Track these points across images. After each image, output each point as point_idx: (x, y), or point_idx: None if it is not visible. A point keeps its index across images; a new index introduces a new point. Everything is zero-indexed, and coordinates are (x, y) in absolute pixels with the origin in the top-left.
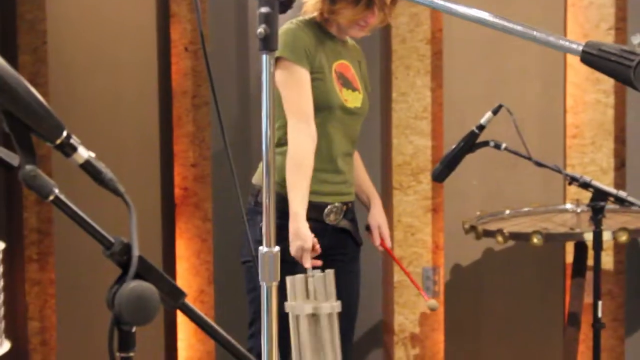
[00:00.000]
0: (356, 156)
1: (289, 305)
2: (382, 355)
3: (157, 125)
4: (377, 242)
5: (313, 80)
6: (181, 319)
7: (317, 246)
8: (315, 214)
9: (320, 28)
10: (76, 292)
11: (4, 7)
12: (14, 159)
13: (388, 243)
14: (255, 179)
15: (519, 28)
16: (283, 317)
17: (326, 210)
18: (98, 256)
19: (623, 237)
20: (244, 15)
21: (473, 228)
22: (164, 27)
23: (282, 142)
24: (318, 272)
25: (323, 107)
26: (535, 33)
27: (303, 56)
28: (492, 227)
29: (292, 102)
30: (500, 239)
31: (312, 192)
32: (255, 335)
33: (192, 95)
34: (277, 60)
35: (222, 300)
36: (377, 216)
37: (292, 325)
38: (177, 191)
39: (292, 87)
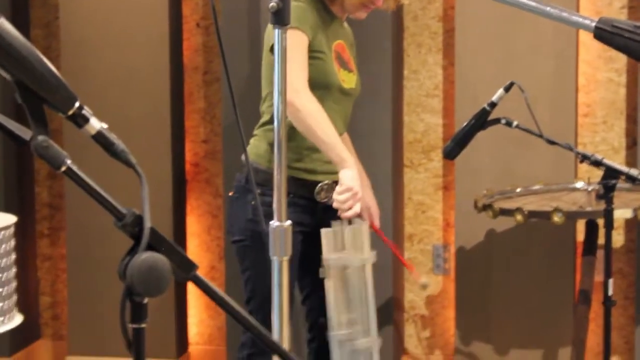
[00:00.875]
0: (345, 135)
1: (323, 258)
2: (393, 333)
3: (168, 101)
4: (368, 223)
5: (313, 58)
6: (191, 295)
7: (360, 194)
8: (306, 191)
9: (324, 8)
10: (87, 267)
11: None
12: (25, 133)
13: (377, 223)
14: (249, 155)
15: (532, 4)
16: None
17: (317, 188)
18: (109, 231)
19: None
20: None
21: (489, 206)
22: (175, 2)
23: (266, 121)
24: (358, 223)
25: (321, 86)
26: (548, 9)
27: (308, 29)
28: (503, 205)
29: (293, 67)
30: (519, 217)
31: (304, 170)
32: (254, 312)
33: (204, 71)
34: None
35: (233, 276)
36: (365, 198)
37: (326, 278)
38: (188, 167)
39: (295, 51)
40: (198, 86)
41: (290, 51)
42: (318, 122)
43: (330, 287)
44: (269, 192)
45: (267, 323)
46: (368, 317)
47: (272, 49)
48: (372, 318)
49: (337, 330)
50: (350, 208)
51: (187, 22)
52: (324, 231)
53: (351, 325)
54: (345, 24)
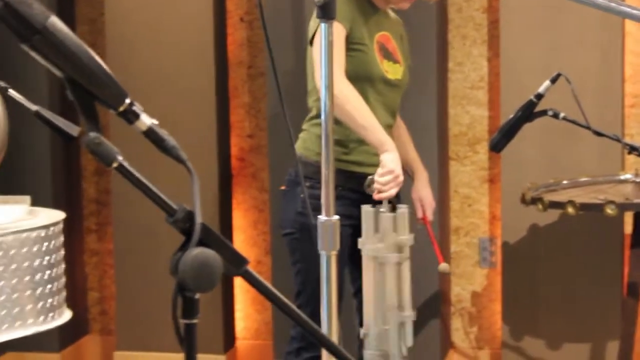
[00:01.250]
0: (403, 129)
1: (360, 242)
2: (439, 326)
3: (213, 96)
4: (419, 214)
5: (353, 50)
6: (238, 290)
7: (401, 177)
8: (355, 184)
9: (366, 0)
10: (134, 262)
11: None
12: (73, 129)
13: (430, 217)
14: (297, 149)
15: None
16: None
17: (367, 181)
18: (155, 226)
19: None
20: None
21: (539, 199)
22: None
23: (314, 115)
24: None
25: (363, 78)
26: (600, 1)
27: (345, 21)
28: (552, 197)
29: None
30: (571, 210)
31: (353, 163)
32: (304, 306)
33: (248, 65)
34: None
35: (280, 270)
36: (419, 189)
37: (366, 268)
38: (234, 162)
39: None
40: (243, 81)
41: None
42: (356, 107)
43: (368, 270)
44: (318, 185)
45: (317, 316)
46: (403, 298)
47: (311, 42)
48: (407, 300)
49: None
50: (390, 190)
51: (231, 17)
52: (365, 209)
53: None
54: (394, 16)
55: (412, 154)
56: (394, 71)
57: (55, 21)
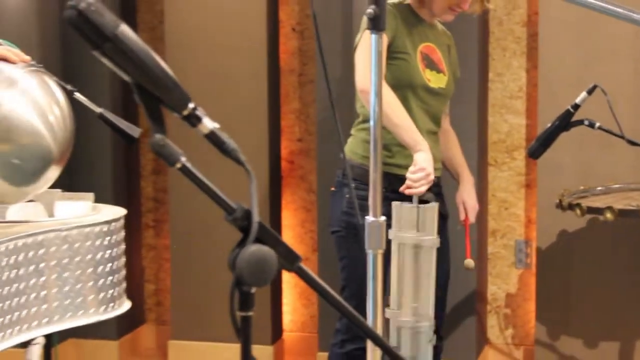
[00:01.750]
0: (452, 134)
1: (393, 233)
2: (476, 324)
3: (265, 102)
4: (462, 217)
5: (395, 58)
6: (286, 284)
7: (432, 176)
8: (398, 186)
9: (410, 11)
10: (189, 257)
11: None
12: (134, 131)
13: (471, 219)
14: (346, 152)
15: (620, 10)
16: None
17: (401, 187)
18: (209, 223)
19: None
20: None
21: (577, 205)
22: (273, 8)
23: (366, 119)
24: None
25: (405, 85)
26: (634, 15)
27: (387, 29)
28: (590, 203)
29: (368, 62)
30: (609, 215)
31: (397, 166)
32: (348, 300)
33: (299, 73)
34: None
35: (326, 267)
36: (462, 193)
37: (394, 253)
38: (284, 164)
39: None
40: (293, 87)
41: (368, 49)
42: (391, 107)
43: (395, 262)
44: (363, 186)
45: (360, 310)
46: (429, 294)
47: (355, 49)
48: (431, 296)
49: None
50: (420, 187)
51: (283, 27)
52: (395, 204)
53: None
54: (441, 28)
55: (458, 159)
56: (437, 80)
57: (125, 29)
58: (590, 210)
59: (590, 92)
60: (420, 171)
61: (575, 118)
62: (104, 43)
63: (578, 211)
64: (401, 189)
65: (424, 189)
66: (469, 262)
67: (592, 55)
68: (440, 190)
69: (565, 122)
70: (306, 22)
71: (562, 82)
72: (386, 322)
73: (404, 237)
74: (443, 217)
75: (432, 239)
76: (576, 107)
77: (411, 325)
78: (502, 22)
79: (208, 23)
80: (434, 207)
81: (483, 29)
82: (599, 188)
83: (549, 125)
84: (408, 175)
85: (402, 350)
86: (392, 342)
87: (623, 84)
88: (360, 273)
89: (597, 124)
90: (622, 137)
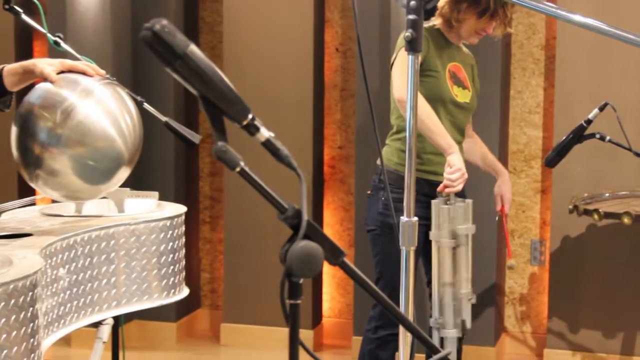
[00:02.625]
0: (477, 137)
1: (434, 232)
2: (494, 313)
3: (310, 114)
4: (498, 207)
5: (427, 76)
6: (326, 275)
7: (466, 175)
8: (428, 190)
9: (440, 34)
10: (240, 249)
11: (188, 12)
12: (195, 137)
13: (507, 209)
14: (379, 160)
15: (629, 36)
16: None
17: (439, 187)
18: (259, 220)
19: None
20: (385, 21)
21: (594, 210)
22: (319, 30)
23: (400, 130)
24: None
25: (436, 99)
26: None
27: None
28: (606, 209)
29: (405, 76)
30: (627, 220)
31: (427, 172)
32: (381, 291)
33: (341, 88)
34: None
35: (361, 261)
36: (501, 186)
37: (434, 246)
38: (326, 169)
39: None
40: (335, 101)
41: (404, 65)
42: (427, 115)
43: (436, 254)
44: (396, 190)
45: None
46: (468, 273)
47: (391, 66)
48: (469, 275)
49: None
50: (458, 185)
51: (328, 47)
52: (434, 202)
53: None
54: (466, 50)
55: (491, 157)
56: (463, 95)
57: (194, 49)
58: (608, 215)
59: (601, 108)
60: (457, 171)
61: (587, 132)
62: (176, 61)
63: (596, 216)
64: (439, 188)
65: (460, 187)
66: (512, 263)
67: (604, 76)
68: (462, 192)
69: (579, 135)
70: (348, 43)
71: (576, 100)
72: (429, 296)
73: (441, 234)
74: None
75: (466, 227)
76: (589, 122)
77: (453, 291)
78: (522, 45)
79: (262, 43)
80: (468, 202)
81: (506, 51)
82: (607, 194)
83: (563, 138)
84: (446, 175)
85: (446, 312)
86: (435, 310)
87: (631, 101)
88: (393, 267)
89: (608, 138)
90: (629, 149)
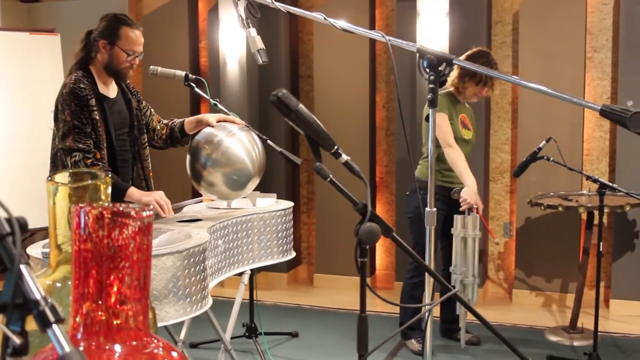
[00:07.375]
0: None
1: (455, 230)
2: (481, 268)
3: (367, 146)
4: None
5: (450, 124)
6: (377, 244)
7: (473, 202)
8: (446, 193)
9: (453, 96)
10: (326, 229)
11: (293, 69)
12: (297, 160)
13: (480, 211)
14: (416, 173)
15: (566, 95)
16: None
17: (453, 191)
18: (337, 211)
19: (627, 208)
20: (413, 88)
21: (541, 204)
22: (372, 94)
23: (425, 156)
24: (473, 214)
25: (455, 138)
26: (574, 99)
27: (446, 110)
28: (541, 201)
29: (446, 131)
30: (543, 207)
31: (445, 182)
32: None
33: (386, 130)
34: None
35: (399, 236)
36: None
37: (455, 242)
38: (378, 179)
39: (443, 125)
40: (382, 138)
41: (442, 122)
42: (459, 158)
43: (456, 246)
44: (422, 192)
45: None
46: (474, 264)
47: (427, 119)
48: (475, 266)
49: (457, 272)
50: (470, 204)
51: (377, 104)
52: (456, 216)
53: (463, 269)
54: (468, 105)
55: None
56: (468, 134)
57: (302, 107)
58: (550, 206)
59: (547, 140)
60: (465, 203)
61: (539, 155)
62: (291, 114)
63: (543, 207)
64: (462, 208)
65: (473, 203)
66: (497, 240)
67: (548, 121)
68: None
69: (534, 157)
70: (390, 102)
71: (531, 136)
72: (449, 276)
73: (459, 232)
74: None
75: (473, 233)
76: (539, 149)
77: (462, 279)
78: (497, 102)
79: (336, 91)
80: (476, 216)
81: (487, 106)
82: (551, 194)
83: (524, 159)
84: (463, 195)
85: (469, 265)
86: (459, 264)
87: (565, 137)
88: (423, 241)
89: (551, 158)
90: (565, 165)
